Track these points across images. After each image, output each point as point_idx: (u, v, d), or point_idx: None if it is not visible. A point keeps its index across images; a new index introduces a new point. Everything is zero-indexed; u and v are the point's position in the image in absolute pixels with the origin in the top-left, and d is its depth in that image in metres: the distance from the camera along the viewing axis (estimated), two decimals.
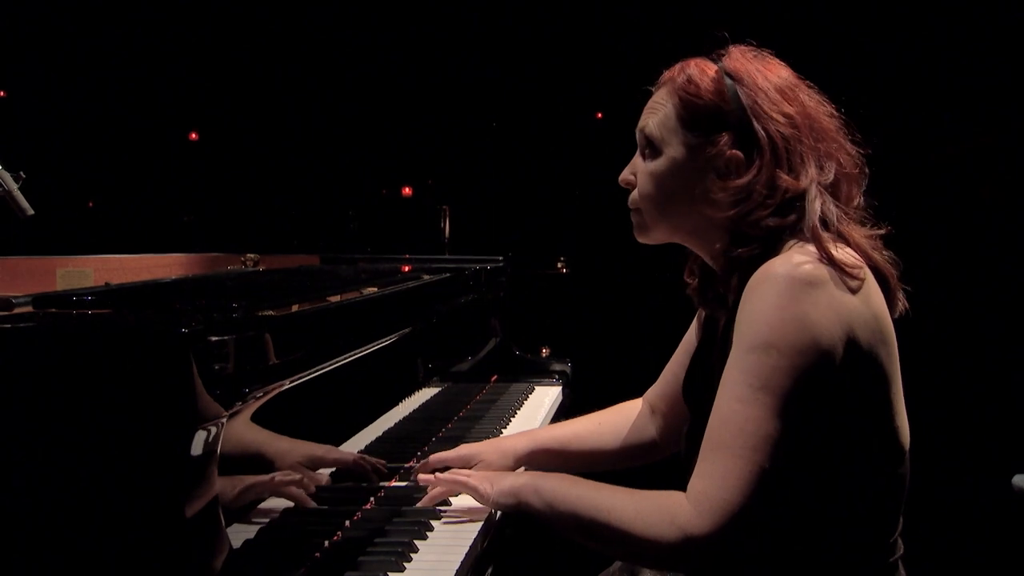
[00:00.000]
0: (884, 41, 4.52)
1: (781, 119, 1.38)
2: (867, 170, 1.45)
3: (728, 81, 1.41)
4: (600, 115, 5.39)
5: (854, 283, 1.31)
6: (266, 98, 5.46)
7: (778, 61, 1.46)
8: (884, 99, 4.48)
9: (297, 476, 1.44)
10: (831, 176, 1.39)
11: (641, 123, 1.48)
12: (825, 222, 1.37)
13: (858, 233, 1.39)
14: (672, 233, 1.49)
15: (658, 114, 1.45)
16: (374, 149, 5.57)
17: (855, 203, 1.43)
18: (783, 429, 1.26)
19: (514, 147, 5.46)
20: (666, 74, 1.47)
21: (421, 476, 1.64)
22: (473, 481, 1.53)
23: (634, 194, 1.50)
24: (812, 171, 1.38)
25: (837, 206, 1.39)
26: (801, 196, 1.37)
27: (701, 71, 1.43)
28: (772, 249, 1.37)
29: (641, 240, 1.53)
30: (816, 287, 1.28)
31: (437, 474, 1.62)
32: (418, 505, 1.59)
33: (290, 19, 5.38)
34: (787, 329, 1.27)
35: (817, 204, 1.37)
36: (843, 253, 1.34)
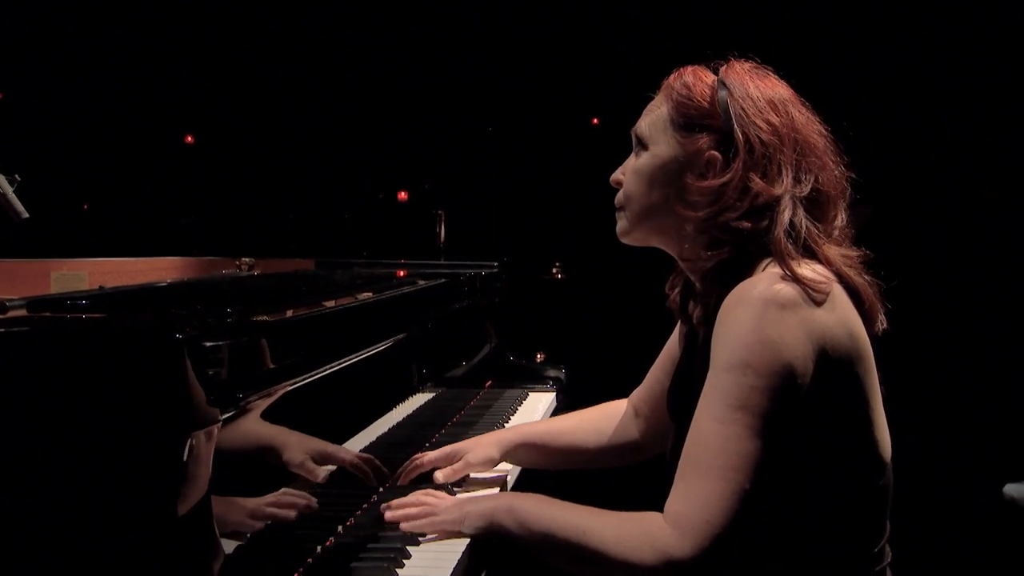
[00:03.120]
0: (884, 41, 4.53)
1: (764, 126, 1.40)
2: (849, 191, 1.46)
3: (720, 89, 1.44)
4: (596, 121, 5.39)
5: (819, 297, 1.31)
6: (262, 102, 5.45)
7: (777, 78, 1.48)
8: (884, 99, 4.49)
9: (284, 500, 1.43)
10: (807, 189, 1.40)
11: (636, 124, 1.52)
12: (795, 236, 1.37)
13: (832, 252, 1.39)
14: (651, 233, 1.50)
15: (651, 115, 1.49)
16: (370, 153, 5.56)
17: (835, 223, 1.43)
18: (761, 448, 1.26)
19: (510, 152, 5.46)
20: (666, 80, 1.51)
21: (389, 515, 1.53)
22: (439, 519, 1.47)
23: (620, 193, 1.53)
24: (788, 181, 1.39)
25: (812, 223, 1.39)
26: (773, 204, 1.38)
27: (697, 77, 1.47)
28: (746, 265, 1.38)
29: (623, 240, 1.54)
30: (789, 309, 1.29)
31: (404, 511, 1.52)
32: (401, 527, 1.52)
33: (287, 23, 5.38)
34: (761, 349, 1.27)
35: (787, 215, 1.37)
36: (808, 270, 1.34)
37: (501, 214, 5.34)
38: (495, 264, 2.96)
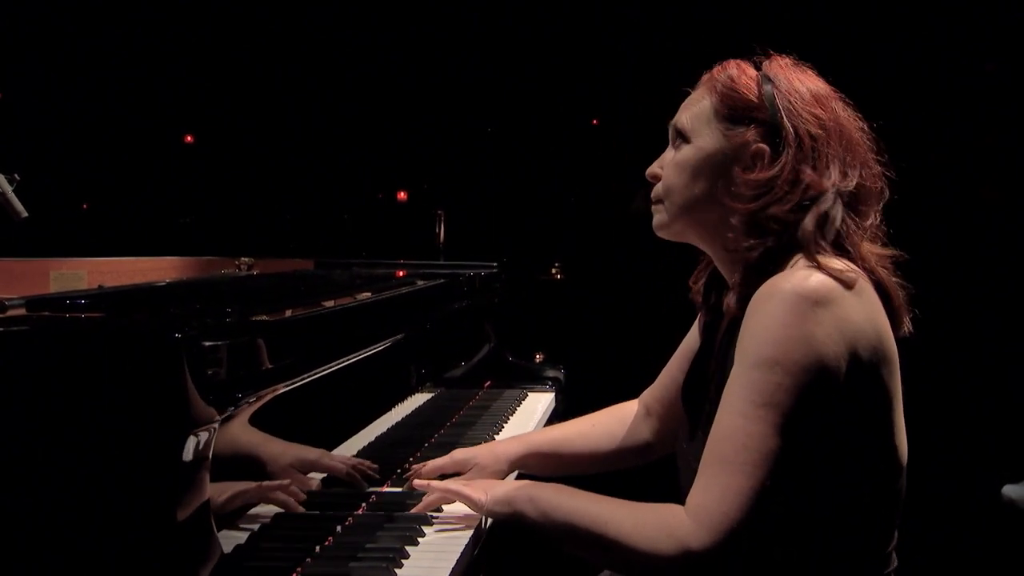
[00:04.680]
0: (884, 41, 4.53)
1: (812, 120, 1.41)
2: (887, 192, 1.46)
3: (765, 83, 1.44)
4: (596, 121, 5.39)
5: (849, 281, 1.31)
6: (261, 102, 5.45)
7: (815, 74, 1.49)
8: (884, 99, 4.49)
9: (287, 482, 1.45)
10: (852, 184, 1.40)
11: (675, 118, 1.51)
12: (825, 229, 1.37)
13: (866, 249, 1.40)
14: (691, 226, 1.48)
15: (693, 108, 1.48)
16: (369, 153, 5.56)
17: (869, 220, 1.43)
18: (784, 446, 1.26)
19: (510, 152, 5.46)
20: (706, 74, 1.51)
21: (416, 482, 1.64)
22: (467, 490, 1.55)
23: (658, 186, 1.52)
24: (835, 175, 1.39)
25: (852, 218, 1.40)
26: (819, 197, 1.38)
27: (741, 70, 1.47)
28: (778, 260, 1.38)
29: (660, 233, 1.53)
30: (821, 305, 1.29)
31: (432, 482, 1.63)
32: (412, 511, 1.59)
33: (286, 23, 5.38)
34: (792, 347, 1.27)
35: (824, 206, 1.38)
36: (836, 262, 1.34)
37: (501, 214, 5.34)
38: (494, 264, 2.96)
